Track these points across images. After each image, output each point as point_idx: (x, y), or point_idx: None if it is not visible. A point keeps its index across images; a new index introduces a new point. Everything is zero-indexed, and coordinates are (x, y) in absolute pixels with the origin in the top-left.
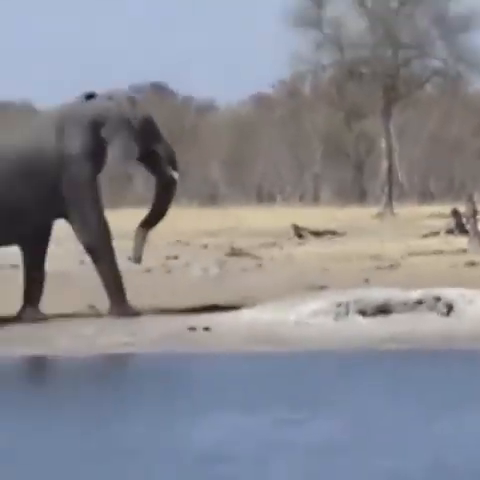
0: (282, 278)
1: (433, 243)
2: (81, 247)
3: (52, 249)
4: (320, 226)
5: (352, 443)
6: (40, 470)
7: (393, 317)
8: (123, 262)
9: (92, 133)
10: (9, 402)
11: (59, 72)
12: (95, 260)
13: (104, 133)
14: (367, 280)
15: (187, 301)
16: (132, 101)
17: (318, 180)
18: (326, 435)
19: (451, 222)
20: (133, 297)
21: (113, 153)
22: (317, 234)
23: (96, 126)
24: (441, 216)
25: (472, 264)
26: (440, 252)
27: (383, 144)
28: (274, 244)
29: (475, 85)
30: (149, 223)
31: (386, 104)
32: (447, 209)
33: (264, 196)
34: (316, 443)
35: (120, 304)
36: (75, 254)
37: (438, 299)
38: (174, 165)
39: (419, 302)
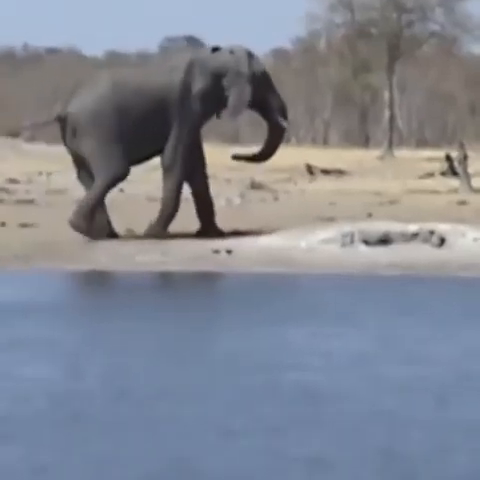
0: (295, 210)
1: (428, 183)
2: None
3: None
4: (329, 165)
5: (380, 353)
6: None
7: (392, 247)
8: (154, 189)
9: (213, 80)
10: (88, 309)
11: (101, 19)
12: (165, 180)
13: (225, 82)
14: (370, 214)
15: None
16: (250, 56)
17: (328, 125)
18: (358, 345)
19: (444, 165)
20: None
21: (231, 101)
22: (326, 172)
23: (218, 75)
24: (435, 160)
25: (462, 203)
26: (434, 191)
27: (386, 96)
28: (289, 180)
29: (467, 47)
30: (258, 158)
31: (390, 61)
32: (441, 154)
33: None
34: (350, 352)
35: (162, 225)
36: None
37: (432, 232)
38: (284, 115)
39: (415, 234)
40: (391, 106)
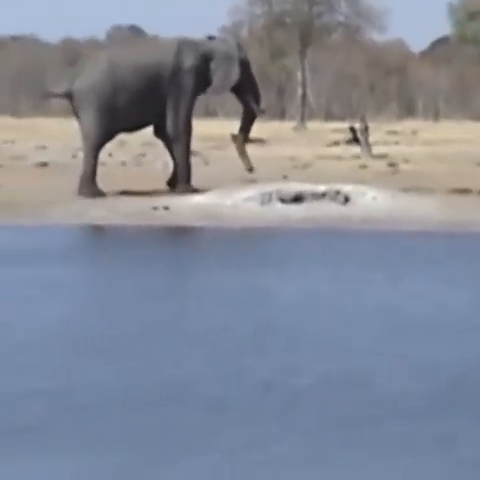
0: (223, 173)
1: (335, 150)
2: (76, 143)
3: (53, 145)
4: (251, 135)
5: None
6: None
7: (304, 204)
8: (104, 156)
9: (202, 61)
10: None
11: (57, 9)
12: (175, 147)
13: (213, 64)
14: (286, 176)
15: (152, 187)
16: (239, 46)
17: None
18: (302, 285)
19: (348, 135)
20: (111, 183)
21: (215, 81)
22: (249, 141)
23: (207, 57)
24: (341, 131)
25: (363, 167)
26: (340, 157)
27: (299, 76)
28: (217, 147)
29: (369, 35)
30: (239, 137)
31: (302, 46)
32: (345, 126)
33: (210, 111)
34: (293, 293)
35: (186, 183)
36: (71, 150)
37: (338, 192)
38: (258, 102)
39: (324, 194)
40: (303, 85)
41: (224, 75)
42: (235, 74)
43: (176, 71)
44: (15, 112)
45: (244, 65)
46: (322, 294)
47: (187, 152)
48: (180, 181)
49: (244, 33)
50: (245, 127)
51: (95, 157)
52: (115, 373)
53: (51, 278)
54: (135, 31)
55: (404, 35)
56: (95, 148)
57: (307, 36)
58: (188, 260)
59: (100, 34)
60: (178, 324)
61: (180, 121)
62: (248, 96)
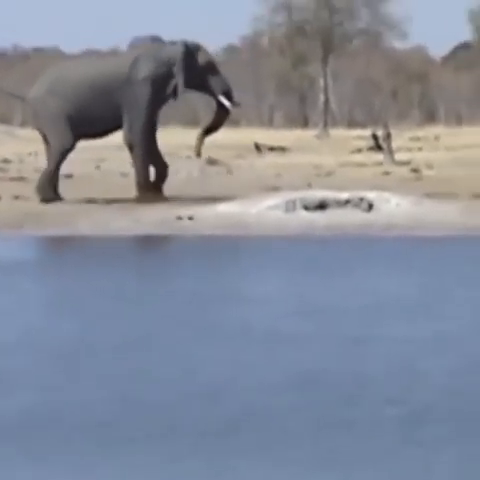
0: (246, 181)
1: (358, 157)
2: (100, 154)
3: (75, 156)
4: (274, 143)
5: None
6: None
7: (328, 212)
8: (127, 166)
9: (164, 68)
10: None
11: (80, 21)
12: (132, 156)
13: (175, 70)
14: (309, 184)
15: (175, 197)
16: (196, 48)
17: (272, 109)
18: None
19: (371, 142)
20: (133, 193)
21: (177, 85)
22: (272, 149)
23: (169, 64)
24: (363, 138)
25: (387, 173)
26: (363, 164)
27: (321, 83)
28: (240, 156)
29: (390, 41)
30: (206, 132)
31: (324, 54)
32: (368, 132)
33: (232, 120)
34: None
35: (139, 192)
36: (94, 160)
37: (362, 199)
38: (229, 97)
39: (348, 201)
40: (325, 92)
41: (180, 81)
42: (182, 79)
43: (131, 81)
44: None
45: (205, 66)
46: (370, 302)
47: (143, 162)
48: (136, 190)
49: (265, 42)
50: (214, 124)
51: (56, 165)
52: (199, 374)
53: (87, 288)
54: (156, 41)
55: (425, 41)
56: (55, 156)
57: (328, 43)
58: (217, 269)
59: (122, 45)
60: (239, 330)
61: (134, 130)
62: (217, 93)
